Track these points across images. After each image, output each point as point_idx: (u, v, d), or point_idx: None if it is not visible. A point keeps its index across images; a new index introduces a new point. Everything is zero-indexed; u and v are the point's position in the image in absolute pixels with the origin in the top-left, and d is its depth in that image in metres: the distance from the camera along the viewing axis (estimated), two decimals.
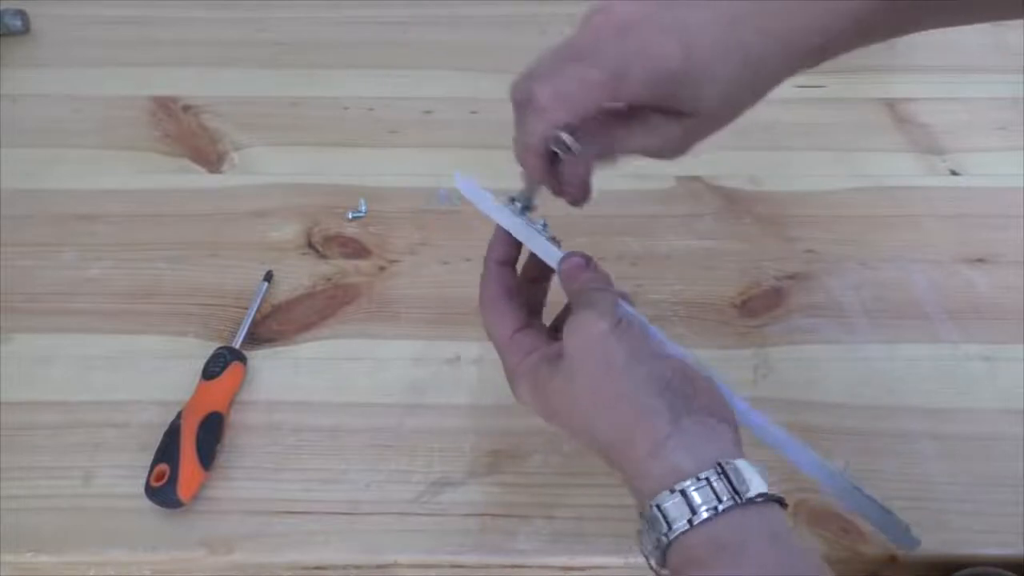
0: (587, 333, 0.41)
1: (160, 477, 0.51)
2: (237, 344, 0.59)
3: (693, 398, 0.40)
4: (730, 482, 0.37)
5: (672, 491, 0.37)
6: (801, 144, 0.75)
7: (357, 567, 0.51)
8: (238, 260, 0.65)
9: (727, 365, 0.59)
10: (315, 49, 0.85)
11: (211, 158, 0.74)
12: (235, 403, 0.57)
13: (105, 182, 0.72)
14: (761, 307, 0.63)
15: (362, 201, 0.69)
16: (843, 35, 0.41)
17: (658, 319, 0.62)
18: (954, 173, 0.73)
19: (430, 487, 0.54)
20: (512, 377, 0.45)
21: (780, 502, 0.38)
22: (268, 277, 0.63)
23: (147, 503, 0.51)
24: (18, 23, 0.85)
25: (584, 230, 0.68)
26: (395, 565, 0.51)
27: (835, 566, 0.51)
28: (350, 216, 0.69)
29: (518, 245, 0.47)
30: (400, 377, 0.59)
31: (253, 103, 0.79)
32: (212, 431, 0.54)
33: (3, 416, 0.56)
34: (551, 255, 0.47)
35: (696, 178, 0.72)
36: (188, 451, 0.52)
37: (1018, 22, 0.88)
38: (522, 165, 0.45)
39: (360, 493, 0.53)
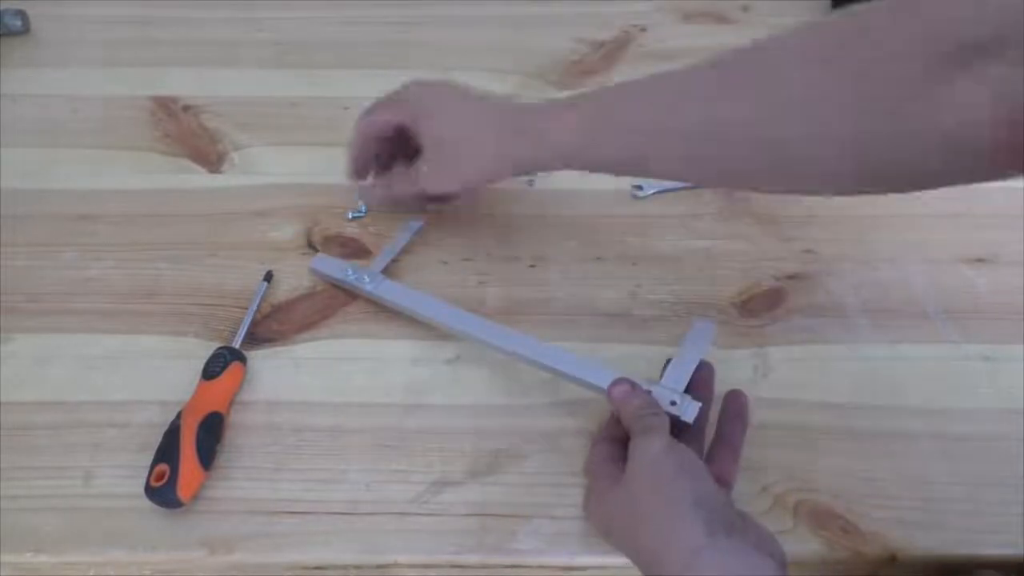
0: (646, 453, 0.46)
1: (160, 477, 0.51)
2: (237, 344, 0.59)
3: (736, 526, 0.43)
4: None
5: None
6: None
7: (357, 567, 0.51)
8: (238, 260, 0.65)
9: (727, 365, 0.59)
10: (315, 49, 0.85)
11: (211, 158, 0.74)
12: (235, 403, 0.57)
13: (105, 182, 0.72)
14: (761, 307, 0.63)
15: (361, 203, 0.69)
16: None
17: (658, 319, 0.62)
18: None
19: (430, 487, 0.54)
20: (587, 484, 0.51)
21: None
22: (268, 277, 0.63)
23: (147, 503, 0.51)
24: (18, 23, 0.85)
25: (585, 230, 0.69)
26: (395, 565, 0.51)
27: (835, 566, 0.51)
28: (350, 216, 0.69)
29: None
30: (400, 377, 0.59)
31: (253, 103, 0.79)
32: (212, 431, 0.54)
33: (3, 416, 0.56)
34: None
35: None
36: (188, 451, 0.52)
37: None
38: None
39: (360, 493, 0.53)
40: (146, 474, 0.52)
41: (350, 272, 0.63)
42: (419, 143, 0.61)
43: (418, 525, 0.52)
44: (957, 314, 0.63)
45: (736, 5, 0.91)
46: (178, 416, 0.54)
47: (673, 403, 0.51)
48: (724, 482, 0.50)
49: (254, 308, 0.61)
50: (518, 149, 0.58)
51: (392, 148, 0.64)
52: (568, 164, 0.57)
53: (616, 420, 0.52)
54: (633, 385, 0.51)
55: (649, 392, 0.51)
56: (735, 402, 0.54)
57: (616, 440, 0.51)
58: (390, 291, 0.62)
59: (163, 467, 0.51)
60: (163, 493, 0.51)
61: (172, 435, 0.53)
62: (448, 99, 0.61)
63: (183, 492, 0.51)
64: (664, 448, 0.46)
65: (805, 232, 0.68)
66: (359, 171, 0.66)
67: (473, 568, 0.51)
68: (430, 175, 0.61)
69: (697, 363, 0.53)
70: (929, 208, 0.70)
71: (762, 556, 0.42)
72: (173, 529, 0.51)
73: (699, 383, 0.53)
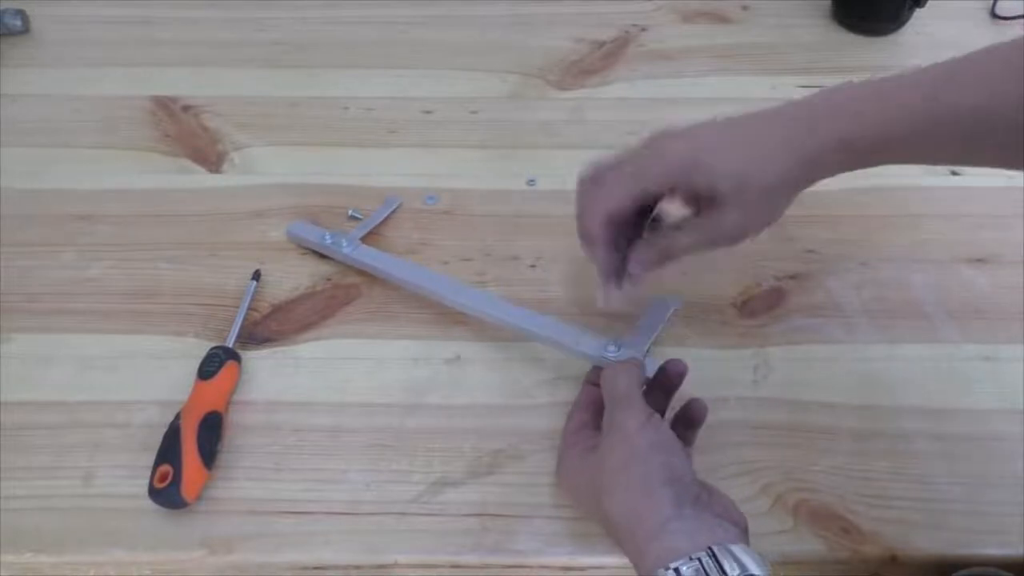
0: (624, 421, 0.47)
1: (164, 478, 0.51)
2: (230, 343, 0.59)
3: (703, 500, 0.45)
4: (719, 563, 0.40)
5: (667, 568, 0.40)
6: None
7: (357, 567, 0.51)
8: (238, 260, 0.65)
9: (727, 365, 0.59)
10: (315, 49, 0.85)
11: (211, 158, 0.74)
12: (235, 403, 0.57)
13: (105, 182, 0.72)
14: (761, 307, 0.63)
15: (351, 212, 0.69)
16: (833, 148, 0.49)
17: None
18: (954, 173, 0.73)
19: (430, 487, 0.54)
20: (559, 452, 0.53)
21: None
22: (256, 276, 0.63)
23: (147, 503, 0.51)
24: (18, 23, 0.85)
25: None
26: (395, 565, 0.51)
27: (835, 566, 0.51)
28: (350, 213, 0.68)
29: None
30: (400, 377, 0.59)
31: (253, 103, 0.79)
32: (212, 430, 0.54)
33: (3, 416, 0.56)
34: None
35: None
36: (190, 451, 0.52)
37: (1019, 22, 0.88)
38: (585, 237, 0.54)
39: (360, 493, 0.53)
40: (148, 475, 0.52)
41: (328, 237, 0.64)
42: (698, 197, 0.51)
43: (418, 525, 0.52)
44: (957, 314, 0.63)
45: (736, 5, 0.91)
46: (177, 417, 0.54)
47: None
48: None
49: (245, 307, 0.61)
50: (813, 161, 0.50)
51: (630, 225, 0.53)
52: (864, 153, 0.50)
53: (592, 387, 0.53)
54: (630, 370, 0.51)
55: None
56: (696, 409, 0.53)
57: (591, 407, 0.53)
58: (367, 255, 0.63)
59: (166, 468, 0.51)
60: (167, 494, 0.51)
61: (173, 436, 0.53)
62: (712, 131, 0.51)
63: (187, 492, 0.51)
64: (641, 423, 0.47)
65: (805, 232, 0.68)
66: (614, 271, 0.54)
67: (473, 568, 0.51)
68: (731, 225, 0.50)
69: (656, 330, 0.57)
70: (929, 208, 0.70)
71: (724, 523, 0.44)
72: (173, 529, 0.51)
73: (670, 375, 0.54)
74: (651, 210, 0.53)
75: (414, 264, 0.63)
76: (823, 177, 0.51)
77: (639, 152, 0.51)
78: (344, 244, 0.63)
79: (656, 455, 0.45)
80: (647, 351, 0.56)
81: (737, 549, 0.41)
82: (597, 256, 0.53)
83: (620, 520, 0.44)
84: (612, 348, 0.55)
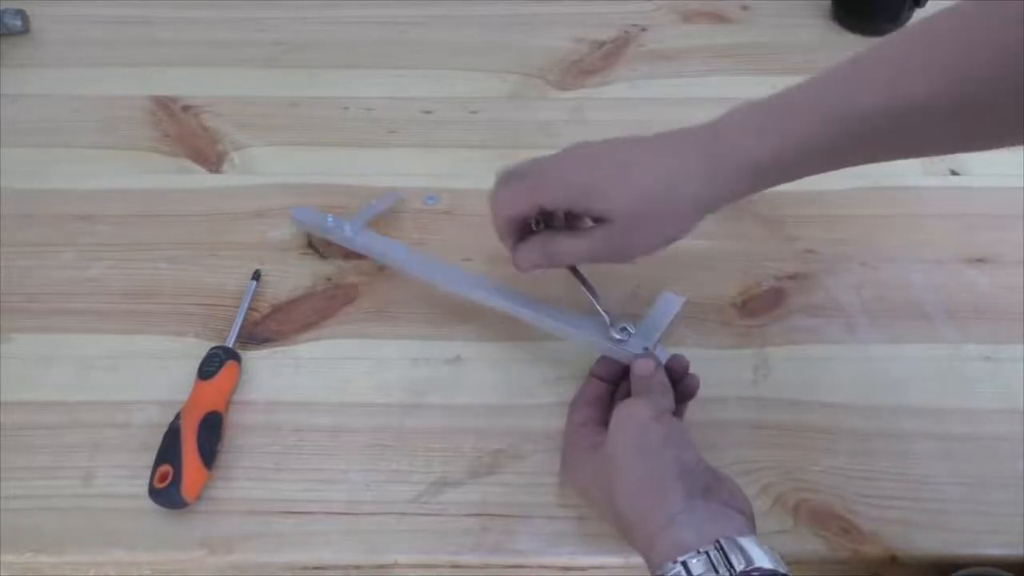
0: (632, 415, 0.48)
1: (163, 478, 0.51)
2: (230, 343, 0.59)
3: (713, 490, 0.45)
4: (726, 556, 0.40)
5: (675, 562, 0.41)
6: None
7: (357, 567, 0.51)
8: (238, 260, 0.65)
9: (727, 365, 0.59)
10: (315, 49, 0.85)
11: (211, 158, 0.74)
12: (235, 403, 0.57)
13: (105, 182, 0.72)
14: (761, 307, 0.63)
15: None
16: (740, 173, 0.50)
17: None
18: (954, 173, 0.73)
19: (430, 487, 0.54)
20: (564, 447, 0.53)
21: None
22: (256, 276, 0.63)
23: (147, 503, 0.51)
24: (18, 23, 0.85)
25: None
26: (395, 565, 0.51)
27: (835, 566, 0.51)
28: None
29: (620, 371, 0.54)
30: (400, 377, 0.59)
31: (253, 103, 0.79)
32: (212, 430, 0.54)
33: (3, 416, 0.56)
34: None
35: None
36: (190, 451, 0.52)
37: None
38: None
39: (360, 493, 0.53)
40: (148, 475, 0.52)
41: (330, 220, 0.64)
42: (589, 217, 0.52)
43: (418, 525, 0.52)
44: (957, 314, 0.63)
45: (736, 5, 0.91)
46: (177, 417, 0.54)
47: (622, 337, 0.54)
48: None
49: (244, 307, 0.61)
50: (720, 182, 0.50)
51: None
52: (778, 171, 0.50)
53: (598, 381, 0.54)
54: (659, 364, 0.52)
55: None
56: (690, 384, 0.53)
57: (594, 403, 0.53)
58: (370, 240, 0.63)
59: (166, 468, 0.51)
60: (167, 494, 0.51)
61: (172, 436, 0.53)
62: (616, 155, 0.51)
63: (187, 492, 0.51)
64: (652, 416, 0.47)
65: (805, 232, 0.68)
66: (506, 242, 0.56)
67: (473, 568, 0.51)
68: (621, 247, 0.52)
69: (664, 325, 0.57)
70: (929, 208, 0.70)
71: (732, 512, 0.44)
72: (173, 529, 0.51)
73: (674, 369, 0.53)
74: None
75: (415, 251, 0.62)
76: (730, 201, 0.51)
77: (544, 167, 0.52)
78: (347, 228, 0.63)
79: (668, 449, 0.46)
80: (656, 343, 0.55)
81: (745, 542, 0.41)
82: (506, 247, 0.55)
83: (631, 514, 0.45)
84: (618, 333, 0.54)
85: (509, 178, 0.53)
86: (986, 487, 0.53)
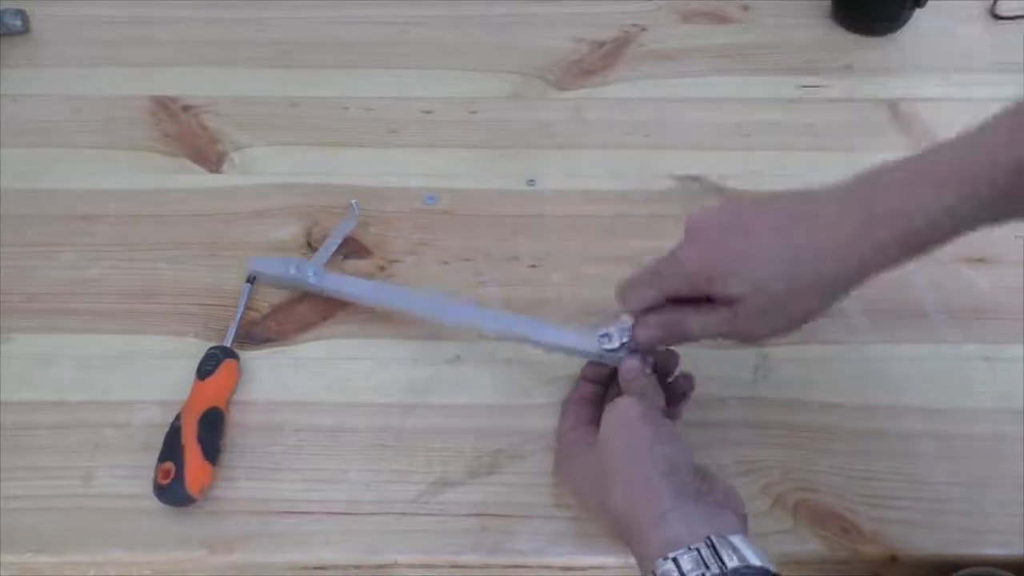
0: (623, 414, 0.48)
1: (166, 475, 0.51)
2: (228, 343, 0.59)
3: (702, 490, 0.45)
4: (717, 553, 0.40)
5: (666, 559, 0.41)
6: (801, 144, 0.75)
7: (357, 567, 0.51)
8: (238, 260, 0.65)
9: (727, 365, 0.59)
10: (315, 49, 0.85)
11: (211, 158, 0.74)
12: (235, 403, 0.57)
13: (105, 182, 0.72)
14: None
15: (354, 204, 0.68)
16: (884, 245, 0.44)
17: None
18: None
19: (430, 487, 0.54)
20: (557, 449, 0.53)
21: None
22: (251, 280, 0.63)
23: (147, 503, 0.51)
24: (18, 23, 0.85)
25: (585, 230, 0.68)
26: (395, 565, 0.51)
27: (835, 566, 0.51)
28: (352, 203, 0.67)
29: (610, 373, 0.54)
30: (400, 377, 0.59)
31: (253, 103, 0.79)
32: (213, 426, 0.54)
33: (3, 416, 0.56)
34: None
35: (696, 178, 0.72)
36: (191, 446, 0.52)
37: (1019, 22, 0.88)
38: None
39: (360, 493, 0.53)
40: (148, 475, 0.52)
41: (292, 269, 0.62)
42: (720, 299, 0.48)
43: (418, 525, 0.52)
44: (957, 314, 0.63)
45: (736, 5, 0.91)
46: (177, 418, 0.54)
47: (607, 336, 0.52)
48: None
49: (241, 309, 0.61)
50: (871, 249, 0.44)
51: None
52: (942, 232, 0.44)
53: (588, 383, 0.54)
54: (643, 364, 0.51)
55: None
56: (684, 384, 0.54)
57: (586, 403, 0.53)
58: (335, 283, 0.62)
59: (168, 465, 0.51)
60: (171, 491, 0.51)
61: (173, 434, 0.53)
62: (732, 238, 0.47)
63: (192, 487, 0.51)
64: (641, 413, 0.47)
65: None
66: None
67: (473, 568, 0.51)
68: (747, 331, 0.48)
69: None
70: None
71: (723, 512, 0.44)
72: (173, 529, 0.51)
73: (665, 368, 0.53)
74: None
75: (383, 284, 0.62)
76: (877, 274, 0.45)
77: (670, 256, 0.49)
78: (310, 273, 0.62)
79: (659, 447, 0.46)
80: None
81: (736, 540, 0.41)
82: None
83: (622, 513, 0.45)
84: (607, 341, 0.53)
85: (633, 279, 0.51)
86: (986, 487, 0.53)
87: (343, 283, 0.62)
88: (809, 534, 0.51)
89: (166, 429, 0.54)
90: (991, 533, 0.52)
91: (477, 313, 0.58)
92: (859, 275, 0.45)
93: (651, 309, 0.50)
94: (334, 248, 0.65)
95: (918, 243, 0.44)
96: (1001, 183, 0.42)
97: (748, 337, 0.49)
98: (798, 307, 0.47)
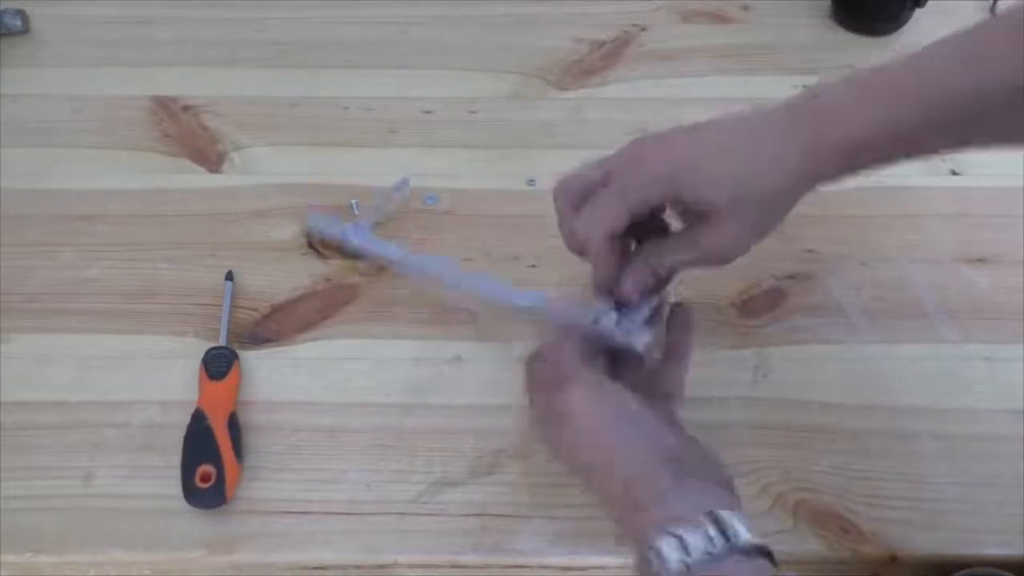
0: (622, 405, 0.46)
1: (206, 479, 0.51)
2: (222, 342, 0.59)
3: (700, 470, 0.44)
4: (721, 529, 0.40)
5: (669, 534, 0.40)
6: None
7: (357, 567, 0.51)
8: (238, 260, 0.65)
9: (727, 365, 0.59)
10: (315, 49, 0.85)
11: (211, 158, 0.74)
12: (235, 403, 0.57)
13: (105, 182, 0.72)
14: (761, 307, 0.63)
15: (354, 203, 0.68)
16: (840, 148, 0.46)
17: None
18: (954, 173, 0.73)
19: (430, 487, 0.54)
20: (561, 382, 0.47)
21: (770, 556, 0.41)
22: (229, 276, 0.63)
23: (147, 503, 0.51)
24: (18, 23, 0.85)
25: None
26: (395, 565, 0.51)
27: (835, 566, 0.51)
28: (352, 203, 0.68)
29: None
30: (400, 377, 0.59)
31: (253, 103, 0.79)
32: (236, 429, 0.54)
33: (3, 416, 0.56)
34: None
35: None
36: (227, 451, 0.52)
37: None
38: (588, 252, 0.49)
39: (360, 493, 0.53)
40: (148, 475, 0.52)
41: (349, 228, 0.64)
42: (688, 211, 0.48)
43: (418, 525, 0.52)
44: (957, 314, 0.63)
45: (736, 5, 0.91)
46: (200, 418, 0.54)
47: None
48: (673, 395, 0.50)
49: (227, 307, 0.61)
50: (821, 161, 0.47)
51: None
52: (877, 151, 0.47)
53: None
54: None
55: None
56: (682, 314, 0.52)
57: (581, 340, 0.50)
58: (377, 247, 0.63)
59: (207, 468, 0.51)
60: (210, 495, 0.51)
61: (205, 436, 0.53)
62: (697, 143, 0.47)
63: (230, 490, 0.51)
64: (637, 400, 0.46)
65: (805, 232, 0.68)
66: (609, 289, 0.50)
67: (473, 568, 0.51)
68: (723, 245, 0.48)
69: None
70: (929, 208, 0.70)
71: (720, 489, 0.43)
72: (173, 529, 0.51)
73: (674, 325, 0.52)
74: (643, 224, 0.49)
75: (421, 256, 0.62)
76: (823, 184, 0.48)
77: (620, 167, 0.48)
78: (357, 234, 0.64)
79: (668, 437, 0.45)
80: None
81: (728, 514, 0.40)
82: (598, 272, 0.50)
83: (626, 480, 0.43)
84: (605, 318, 0.50)
85: (585, 188, 0.49)
86: (986, 487, 0.53)
87: (382, 247, 0.63)
88: (809, 534, 0.51)
89: (166, 429, 0.54)
90: (991, 533, 0.52)
91: (508, 291, 0.57)
92: (820, 177, 0.47)
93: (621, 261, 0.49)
94: (381, 215, 0.66)
95: (859, 154, 0.46)
96: (952, 106, 0.44)
97: (729, 252, 0.49)
98: (769, 211, 0.48)
